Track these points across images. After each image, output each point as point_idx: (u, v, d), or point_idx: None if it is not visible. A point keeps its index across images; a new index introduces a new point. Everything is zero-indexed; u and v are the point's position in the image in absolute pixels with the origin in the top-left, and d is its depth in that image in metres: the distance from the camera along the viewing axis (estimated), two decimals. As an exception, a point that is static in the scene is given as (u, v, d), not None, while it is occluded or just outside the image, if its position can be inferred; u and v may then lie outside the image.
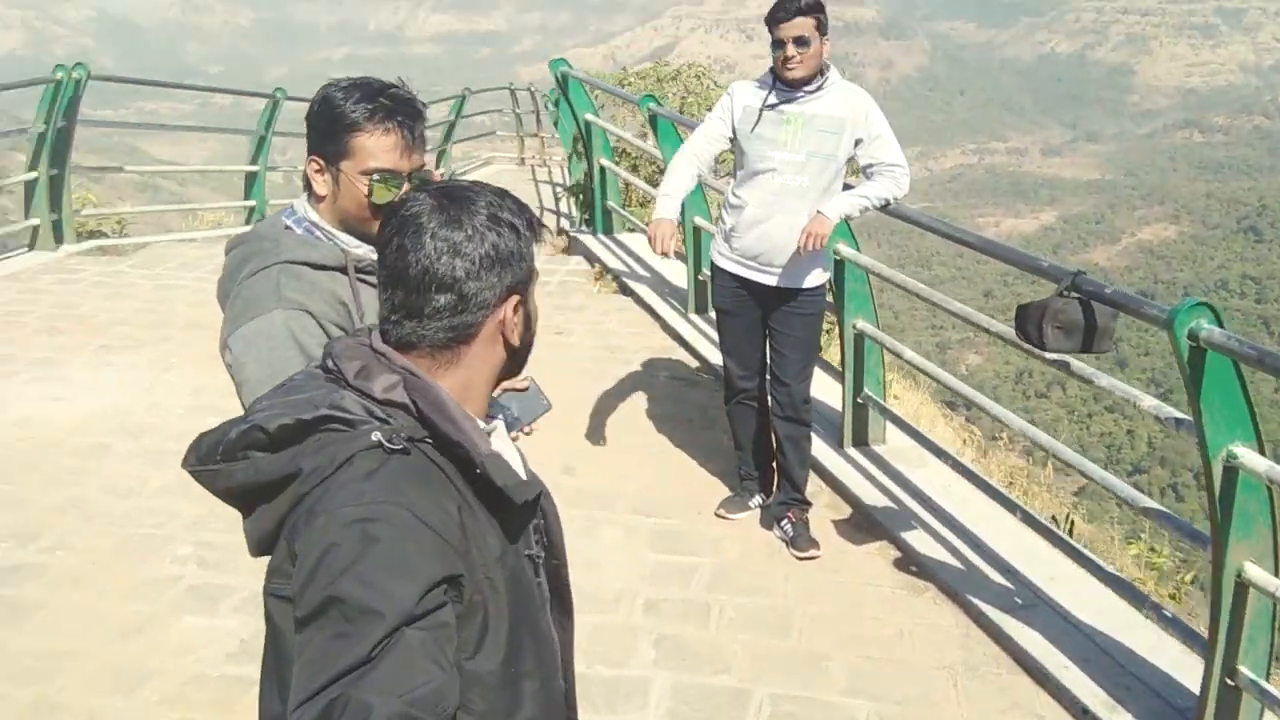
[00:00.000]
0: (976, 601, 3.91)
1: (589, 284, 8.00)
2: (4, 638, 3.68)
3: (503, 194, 1.41)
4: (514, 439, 2.24)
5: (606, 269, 8.15)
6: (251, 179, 10.55)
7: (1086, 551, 3.88)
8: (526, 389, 2.27)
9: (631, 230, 8.92)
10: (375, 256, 2.06)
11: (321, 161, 2.01)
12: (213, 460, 1.32)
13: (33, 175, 8.22)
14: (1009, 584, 4.02)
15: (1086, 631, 3.72)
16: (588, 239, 8.95)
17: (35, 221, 8.32)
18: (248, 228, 9.35)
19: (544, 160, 16.49)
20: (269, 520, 1.31)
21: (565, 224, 10.23)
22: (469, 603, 1.25)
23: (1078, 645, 3.66)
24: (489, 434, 1.41)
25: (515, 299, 1.40)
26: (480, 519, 1.31)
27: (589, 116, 8.78)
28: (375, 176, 1.96)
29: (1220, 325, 2.89)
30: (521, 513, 1.36)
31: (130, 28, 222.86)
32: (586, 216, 9.37)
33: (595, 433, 5.32)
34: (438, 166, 15.33)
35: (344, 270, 2.00)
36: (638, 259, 8.29)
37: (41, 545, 4.27)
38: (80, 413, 5.54)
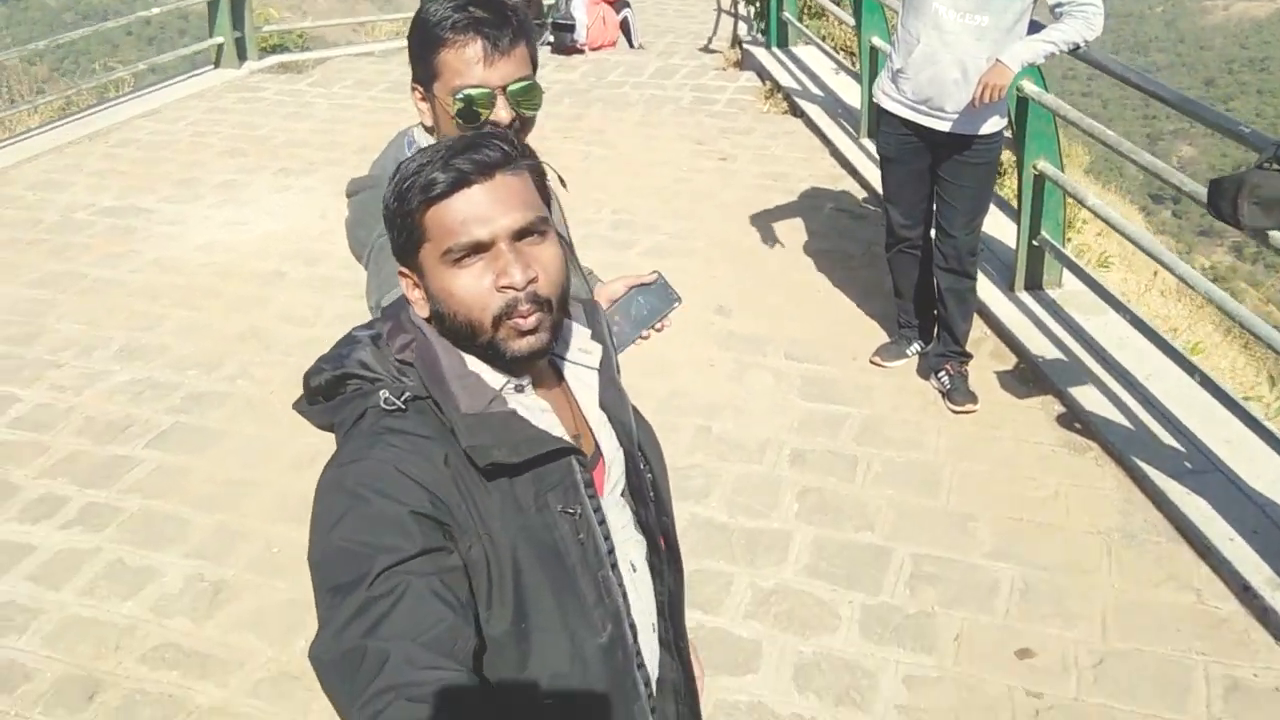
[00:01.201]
0: (1141, 464, 3.73)
1: (758, 103, 7.71)
2: (191, 465, 3.98)
3: (436, 151, 1.30)
4: (645, 337, 2.20)
5: (778, 86, 7.82)
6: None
7: (1266, 421, 3.63)
8: (654, 282, 2.20)
9: (806, 43, 8.49)
10: None
11: (420, 88, 1.87)
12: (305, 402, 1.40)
13: (214, -6, 8.39)
14: (1179, 446, 3.81)
15: (1259, 502, 3.51)
16: (760, 52, 8.58)
17: (219, 39, 8.54)
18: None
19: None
20: None
21: (742, 30, 9.80)
22: (469, 556, 1.26)
23: (1247, 516, 3.46)
24: (516, 388, 1.36)
25: (404, 272, 1.35)
26: (479, 476, 1.29)
27: (765, -80, 8.28)
28: (459, 94, 1.79)
29: None
30: (534, 467, 1.32)
31: None
32: (762, 27, 8.96)
33: (752, 269, 5.23)
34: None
35: None
36: (811, 75, 7.92)
37: (224, 374, 4.55)
38: (259, 238, 5.79)
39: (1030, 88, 4.44)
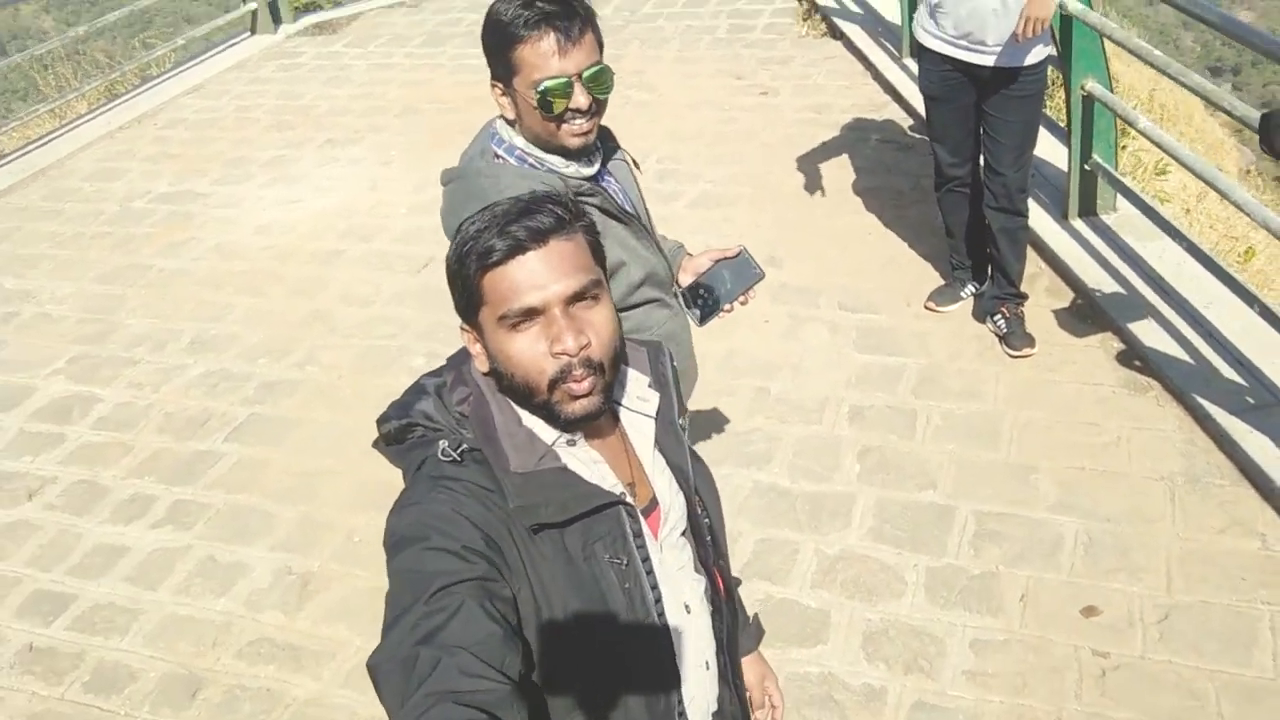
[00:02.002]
0: (1203, 402, 3.72)
1: (796, 25, 7.56)
2: (269, 457, 4.14)
3: (496, 214, 1.35)
4: (728, 311, 2.34)
5: (815, 5, 7.65)
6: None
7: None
8: (738, 256, 2.33)
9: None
10: (587, 172, 2.14)
11: (500, 84, 2.03)
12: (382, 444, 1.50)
13: (244, -42, 8.37)
14: (1242, 380, 3.79)
15: (1324, 437, 3.50)
16: (796, -32, 8.37)
17: (253, 5, 8.54)
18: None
19: None
20: None
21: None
22: (519, 596, 1.32)
23: (1314, 453, 3.45)
24: (568, 442, 1.41)
25: (466, 328, 1.41)
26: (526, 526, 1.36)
27: None
28: (539, 86, 1.95)
29: None
30: (583, 519, 1.38)
31: None
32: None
33: (800, 213, 5.21)
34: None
35: None
36: (849, -10, 7.73)
37: (293, 360, 4.68)
38: (313, 216, 5.87)
39: (1074, 5, 4.31)
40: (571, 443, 1.41)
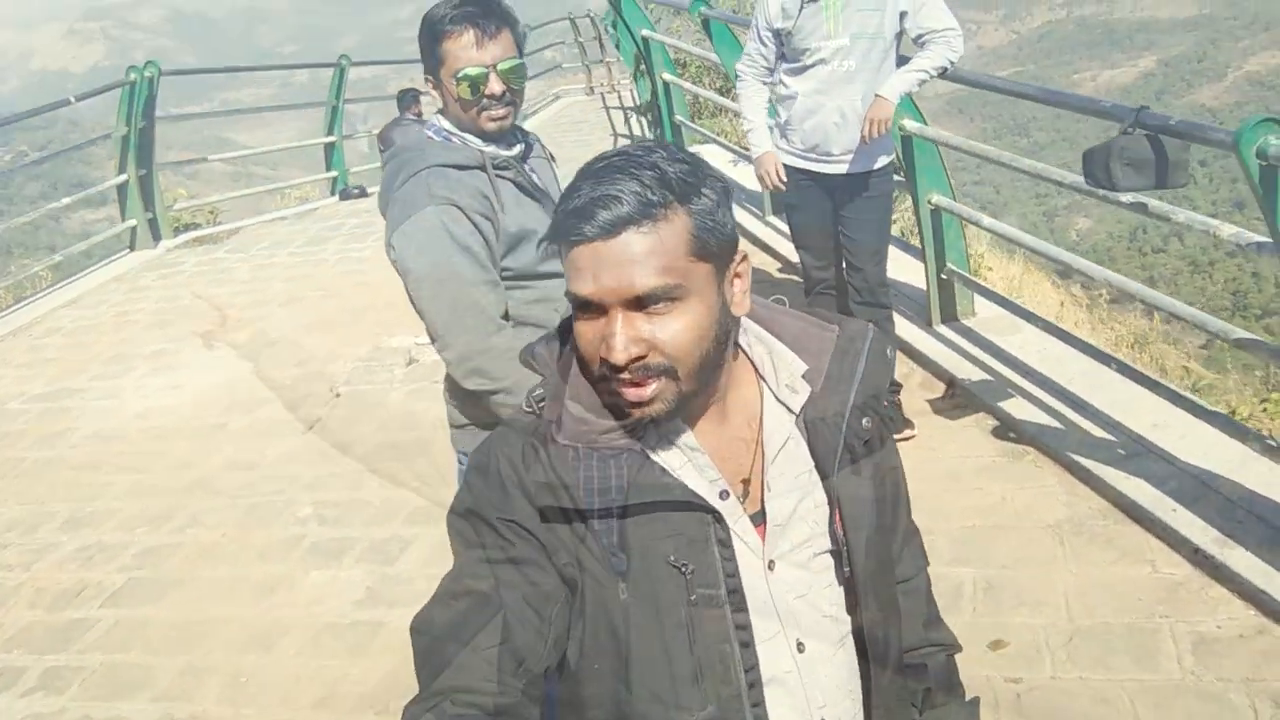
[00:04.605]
0: (1078, 458, 3.85)
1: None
2: (148, 615, 3.92)
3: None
4: None
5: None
6: (331, 150, 10.75)
7: (1185, 392, 3.78)
8: None
9: (703, 142, 8.83)
10: (506, 153, 2.28)
11: (431, 77, 2.26)
12: None
13: (123, 178, 8.56)
14: (1111, 436, 3.94)
15: (1194, 473, 3.64)
16: (659, 157, 8.88)
17: (132, 222, 8.68)
18: (331, 199, 9.48)
19: (613, 86, 16.33)
20: None
21: (639, 146, 10.12)
22: (564, 573, 1.21)
23: (1186, 487, 3.58)
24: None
25: None
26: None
27: (645, 32, 8.67)
28: (459, 74, 2.19)
29: (1289, 139, 2.76)
30: (651, 511, 1.20)
31: (203, 21, 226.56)
32: (658, 133, 9.31)
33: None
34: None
35: (482, 168, 2.26)
36: (710, 169, 8.20)
37: (174, 525, 4.52)
38: (194, 395, 5.81)
39: (911, 125, 4.69)
40: (656, 421, 1.18)
